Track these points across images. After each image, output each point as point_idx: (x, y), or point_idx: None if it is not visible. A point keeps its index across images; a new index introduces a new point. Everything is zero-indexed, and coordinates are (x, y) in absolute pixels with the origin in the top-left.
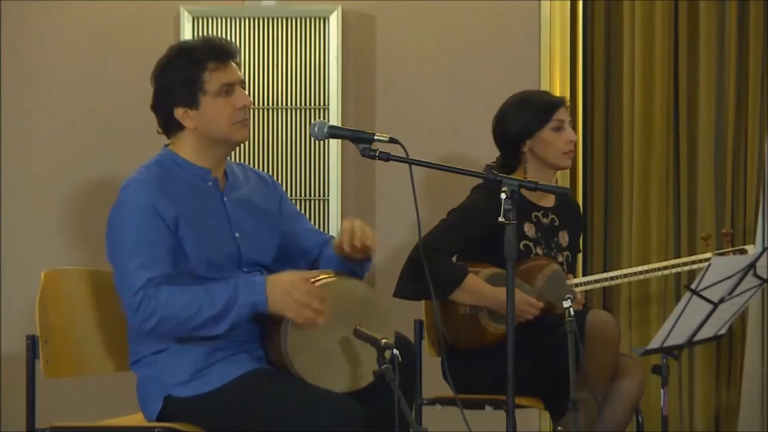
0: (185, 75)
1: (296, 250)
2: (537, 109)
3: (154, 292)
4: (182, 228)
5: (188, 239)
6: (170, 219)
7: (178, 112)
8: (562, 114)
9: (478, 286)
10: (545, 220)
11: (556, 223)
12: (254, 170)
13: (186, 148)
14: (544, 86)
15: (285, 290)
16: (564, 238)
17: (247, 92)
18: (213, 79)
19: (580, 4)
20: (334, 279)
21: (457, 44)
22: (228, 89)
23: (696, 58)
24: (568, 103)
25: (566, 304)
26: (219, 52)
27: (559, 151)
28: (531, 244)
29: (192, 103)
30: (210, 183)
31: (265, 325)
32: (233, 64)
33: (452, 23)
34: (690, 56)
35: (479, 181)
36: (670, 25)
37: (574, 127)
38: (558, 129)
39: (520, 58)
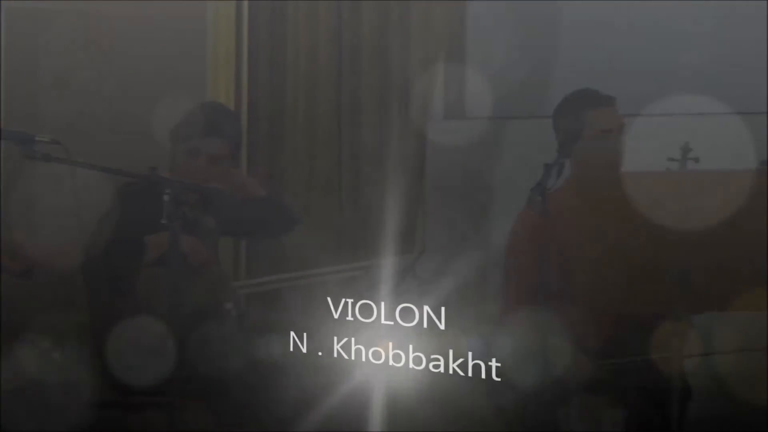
0: None
1: None
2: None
3: None
4: None
5: None
6: None
7: None
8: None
9: None
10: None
11: None
12: None
13: None
14: (211, 88)
15: None
16: None
17: None
18: None
19: (246, 4)
20: None
21: (125, 43)
22: None
23: (359, 59)
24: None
25: None
26: None
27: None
28: None
29: None
30: None
31: None
32: None
33: (119, 22)
34: (353, 57)
35: None
36: (334, 25)
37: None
38: (193, 155)
39: (187, 59)
